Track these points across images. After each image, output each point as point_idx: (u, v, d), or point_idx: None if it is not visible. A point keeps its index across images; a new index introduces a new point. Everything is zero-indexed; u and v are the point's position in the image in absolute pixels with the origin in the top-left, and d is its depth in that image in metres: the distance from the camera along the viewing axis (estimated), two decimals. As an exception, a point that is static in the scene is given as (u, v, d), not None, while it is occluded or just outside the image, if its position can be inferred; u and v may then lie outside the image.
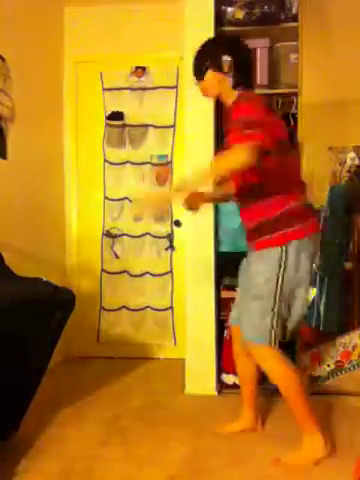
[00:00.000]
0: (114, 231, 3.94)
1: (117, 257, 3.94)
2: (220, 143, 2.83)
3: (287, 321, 2.17)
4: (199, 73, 2.22)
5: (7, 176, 3.01)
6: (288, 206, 2.09)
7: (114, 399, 2.93)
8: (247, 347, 2.24)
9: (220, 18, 3.04)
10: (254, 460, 2.15)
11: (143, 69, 3.89)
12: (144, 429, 2.48)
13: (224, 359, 3.05)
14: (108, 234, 3.95)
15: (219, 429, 2.42)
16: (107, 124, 3.93)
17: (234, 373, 3.04)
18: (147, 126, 3.88)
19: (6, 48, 2.97)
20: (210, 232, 2.98)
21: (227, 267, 2.97)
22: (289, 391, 2.15)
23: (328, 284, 3.11)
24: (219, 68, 2.16)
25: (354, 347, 3.01)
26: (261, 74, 3.12)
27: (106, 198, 3.95)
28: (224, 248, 3.03)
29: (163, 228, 3.89)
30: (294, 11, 3.03)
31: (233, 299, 2.50)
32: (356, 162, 3.23)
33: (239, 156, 1.89)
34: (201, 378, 3.01)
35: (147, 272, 3.91)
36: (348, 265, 3.12)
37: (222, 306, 3.08)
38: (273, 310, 2.10)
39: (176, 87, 3.83)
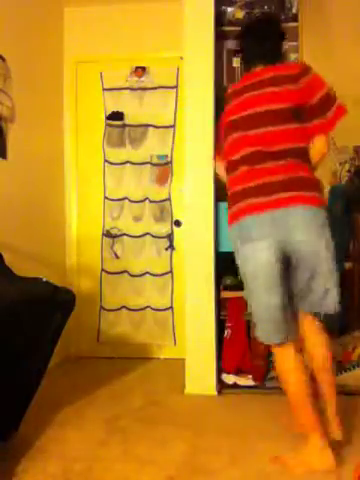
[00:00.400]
0: (114, 231, 3.95)
1: (117, 257, 3.95)
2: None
3: None
4: (277, 50, 2.31)
5: (7, 176, 3.01)
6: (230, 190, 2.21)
7: (114, 399, 2.93)
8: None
9: (220, 18, 3.04)
10: (254, 459, 2.15)
11: (143, 69, 3.89)
12: (144, 429, 2.48)
13: (224, 359, 3.05)
14: (108, 234, 3.95)
15: None
16: (107, 124, 3.94)
17: (234, 373, 3.05)
18: (147, 126, 3.88)
19: (6, 48, 2.97)
20: (210, 232, 2.98)
21: (227, 267, 2.97)
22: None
23: (328, 284, 3.11)
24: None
25: (354, 347, 3.00)
26: (261, 74, 3.12)
27: (106, 198, 3.95)
28: (224, 248, 3.03)
29: (163, 228, 3.89)
30: (294, 11, 3.03)
31: (230, 299, 2.47)
32: (356, 162, 3.23)
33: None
34: (201, 378, 3.01)
35: (147, 272, 3.91)
36: (348, 265, 3.12)
37: (222, 306, 3.08)
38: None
39: (176, 87, 3.83)
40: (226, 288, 3.06)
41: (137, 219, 3.93)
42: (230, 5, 3.08)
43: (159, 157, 3.88)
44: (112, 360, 3.77)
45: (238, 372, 3.04)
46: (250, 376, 3.02)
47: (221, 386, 3.04)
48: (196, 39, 2.96)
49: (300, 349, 2.09)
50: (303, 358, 2.08)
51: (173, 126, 3.85)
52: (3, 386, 2.04)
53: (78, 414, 2.68)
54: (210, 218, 2.98)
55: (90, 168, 3.95)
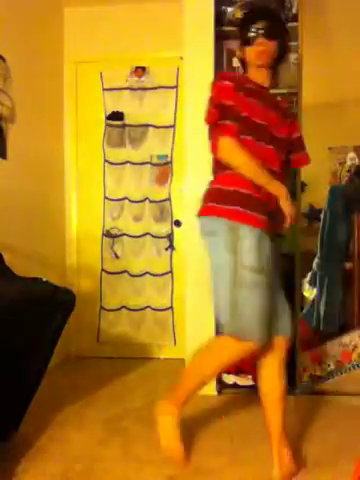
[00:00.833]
0: (114, 231, 3.94)
1: (117, 257, 3.95)
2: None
3: None
4: (278, 30, 2.08)
5: (7, 176, 3.01)
6: None
7: (114, 399, 2.93)
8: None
9: (220, 18, 3.04)
10: (254, 459, 2.15)
11: (143, 69, 3.89)
12: (144, 429, 2.48)
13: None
14: (108, 234, 3.95)
15: None
16: (107, 124, 3.94)
17: (234, 373, 3.05)
18: (147, 126, 3.88)
19: (6, 48, 2.97)
20: (210, 232, 2.97)
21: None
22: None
23: (328, 284, 3.11)
24: (285, 43, 2.14)
25: (354, 347, 3.01)
26: (261, 74, 3.12)
27: (106, 198, 3.95)
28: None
29: (163, 228, 3.89)
30: (294, 11, 3.03)
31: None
32: (356, 162, 3.23)
33: None
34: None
35: (147, 272, 3.91)
36: (348, 265, 3.13)
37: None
38: None
39: (176, 87, 3.83)
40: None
41: (137, 219, 3.93)
42: (230, 5, 3.08)
43: (159, 157, 3.88)
44: (112, 360, 3.77)
45: (238, 372, 3.04)
46: (250, 376, 3.02)
47: (221, 386, 3.04)
48: (196, 39, 2.96)
49: None
50: None
51: (173, 126, 3.85)
52: (3, 386, 2.04)
53: (78, 414, 2.68)
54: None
55: (90, 168, 3.95)
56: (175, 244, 3.86)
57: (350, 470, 1.85)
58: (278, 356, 2.10)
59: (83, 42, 3.84)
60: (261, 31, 2.03)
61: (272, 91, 3.10)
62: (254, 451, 2.23)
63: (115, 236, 3.95)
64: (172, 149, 3.86)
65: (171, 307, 3.88)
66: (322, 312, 3.10)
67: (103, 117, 3.93)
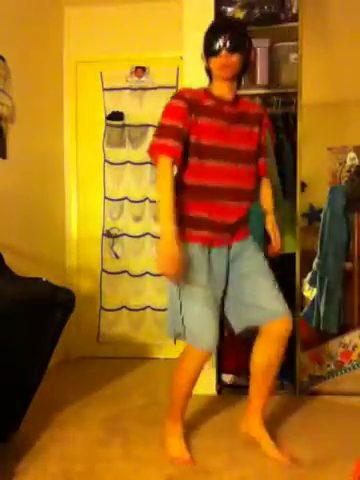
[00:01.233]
0: (114, 231, 3.95)
1: (117, 257, 3.95)
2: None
3: None
4: (242, 44, 2.07)
5: (7, 176, 3.01)
6: None
7: (114, 399, 2.93)
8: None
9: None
10: (254, 459, 2.15)
11: (143, 69, 3.89)
12: (144, 429, 2.48)
13: (224, 359, 3.05)
14: (108, 234, 3.95)
15: None
16: (107, 124, 3.93)
17: (234, 373, 3.04)
18: (147, 126, 3.88)
19: (6, 48, 2.97)
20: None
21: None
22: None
23: (328, 284, 3.11)
24: (248, 55, 2.14)
25: (354, 347, 3.01)
26: (261, 74, 3.12)
27: (106, 198, 3.95)
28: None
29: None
30: (294, 11, 3.03)
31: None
32: (356, 162, 3.23)
33: None
34: (201, 378, 3.00)
35: (147, 272, 3.91)
36: (348, 265, 3.13)
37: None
38: None
39: (176, 87, 3.82)
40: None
41: (137, 219, 3.93)
42: (230, 5, 3.07)
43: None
44: (112, 360, 3.77)
45: (238, 372, 3.04)
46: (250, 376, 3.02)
47: (221, 386, 3.04)
48: (196, 39, 2.94)
49: None
50: None
51: (173, 126, 3.84)
52: (3, 386, 2.04)
53: (78, 414, 2.69)
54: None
55: (90, 168, 3.95)
56: (175, 244, 3.85)
57: (350, 470, 1.85)
58: (275, 337, 2.16)
59: (83, 42, 3.84)
60: (226, 44, 2.05)
61: (272, 91, 3.15)
62: (254, 451, 2.23)
63: (115, 236, 3.95)
64: (172, 149, 3.86)
65: (171, 307, 3.88)
66: (322, 312, 3.10)
67: (103, 117, 3.93)
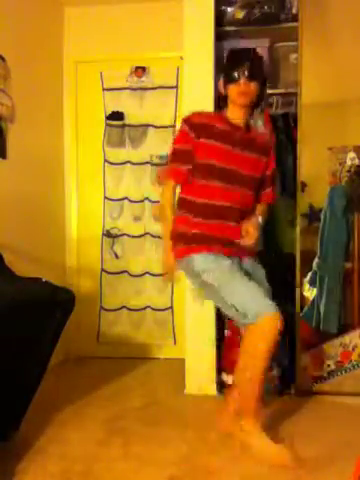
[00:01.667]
0: (114, 231, 3.94)
1: (117, 257, 3.94)
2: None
3: None
4: (260, 73, 2.23)
5: (7, 176, 3.01)
6: None
7: (114, 399, 2.93)
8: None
9: (220, 18, 3.04)
10: (254, 459, 2.15)
11: (143, 69, 3.89)
12: (144, 429, 2.48)
13: (224, 359, 3.05)
14: (108, 234, 3.95)
15: None
16: (107, 124, 3.93)
17: (234, 373, 3.04)
18: (147, 126, 3.88)
19: (6, 48, 2.97)
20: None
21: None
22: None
23: (328, 284, 3.11)
24: (265, 85, 2.29)
25: (354, 347, 3.01)
26: (261, 74, 3.12)
27: (106, 198, 3.95)
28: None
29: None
30: (294, 11, 3.03)
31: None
32: (356, 162, 3.23)
33: None
34: (201, 378, 3.01)
35: (147, 272, 3.91)
36: (348, 265, 3.13)
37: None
38: None
39: (176, 87, 3.83)
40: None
41: (137, 219, 3.93)
42: (230, 5, 3.08)
43: (159, 157, 3.87)
44: (112, 360, 3.77)
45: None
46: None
47: (221, 386, 3.04)
48: (196, 39, 2.96)
49: None
50: None
51: (173, 126, 3.85)
52: (3, 386, 2.04)
53: (78, 414, 2.68)
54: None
55: (90, 168, 3.95)
56: (175, 244, 3.85)
57: (350, 470, 1.85)
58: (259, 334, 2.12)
59: (83, 42, 3.84)
60: (245, 72, 2.17)
61: (272, 91, 3.15)
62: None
63: (115, 236, 3.95)
64: (172, 149, 3.86)
65: (171, 307, 3.88)
66: (322, 312, 3.10)
67: (103, 117, 3.93)
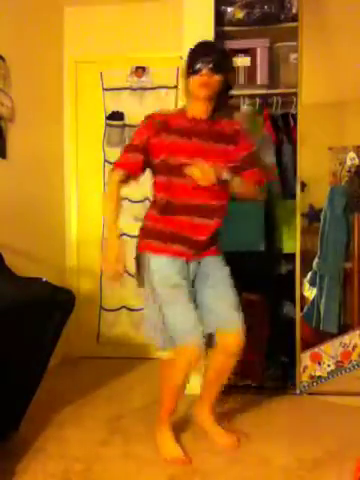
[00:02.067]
0: (114, 231, 3.94)
1: (117, 257, 3.94)
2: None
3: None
4: (224, 66, 2.15)
5: (7, 176, 3.01)
6: None
7: (114, 399, 2.93)
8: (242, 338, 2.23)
9: (220, 18, 3.04)
10: (253, 460, 2.15)
11: (143, 69, 3.89)
12: (144, 429, 2.48)
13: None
14: (108, 234, 3.94)
15: None
16: (107, 124, 3.93)
17: (234, 373, 3.04)
18: (147, 126, 3.87)
19: (6, 48, 2.97)
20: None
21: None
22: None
23: (328, 284, 3.11)
24: (229, 79, 2.21)
25: (354, 347, 3.01)
26: (261, 74, 3.12)
27: (106, 198, 3.95)
28: (224, 248, 3.02)
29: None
30: (294, 11, 3.03)
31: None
32: (356, 162, 3.23)
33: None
34: (201, 378, 3.00)
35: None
36: (348, 265, 3.13)
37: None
38: None
39: (176, 87, 3.82)
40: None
41: (137, 219, 3.92)
42: (230, 5, 3.07)
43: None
44: (112, 360, 3.77)
45: (236, 372, 3.04)
46: (250, 376, 3.02)
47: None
48: (196, 39, 2.95)
49: None
50: None
51: (173, 126, 3.84)
52: (3, 386, 2.04)
53: (78, 414, 2.69)
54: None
55: (90, 168, 3.95)
56: (175, 244, 3.85)
57: (350, 470, 1.85)
58: (230, 352, 2.23)
59: (83, 42, 3.84)
60: (208, 64, 2.10)
61: (272, 91, 3.15)
62: (254, 451, 2.23)
63: (115, 236, 3.94)
64: (172, 149, 3.86)
65: (171, 307, 3.88)
66: (322, 312, 3.10)
67: (103, 117, 3.93)
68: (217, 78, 2.12)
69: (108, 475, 2.04)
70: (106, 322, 3.94)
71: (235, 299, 2.23)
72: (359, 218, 3.13)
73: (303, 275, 3.08)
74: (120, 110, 3.91)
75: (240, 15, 3.05)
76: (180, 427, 2.48)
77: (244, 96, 3.15)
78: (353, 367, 3.00)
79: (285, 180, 3.17)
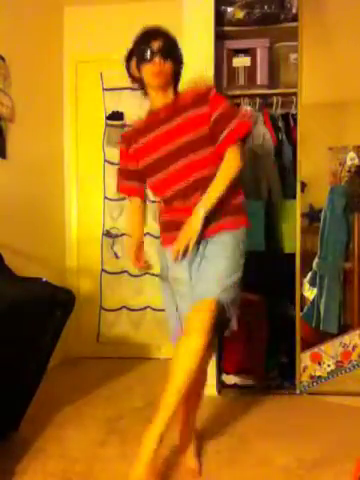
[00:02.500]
0: (114, 231, 3.94)
1: (117, 257, 3.94)
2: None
3: None
4: (174, 51, 2.08)
5: (7, 176, 3.01)
6: None
7: (114, 399, 2.93)
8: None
9: (220, 18, 3.04)
10: (253, 460, 2.15)
11: (143, 69, 3.89)
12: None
13: (224, 359, 3.05)
14: (108, 234, 3.95)
15: None
16: (107, 124, 3.94)
17: (234, 373, 3.05)
18: (147, 126, 3.88)
19: (6, 48, 2.97)
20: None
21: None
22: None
23: (328, 284, 3.11)
24: (180, 65, 2.12)
25: (354, 347, 3.01)
26: (261, 74, 3.12)
27: (106, 198, 3.95)
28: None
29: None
30: (294, 11, 3.03)
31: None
32: (356, 162, 3.23)
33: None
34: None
35: (147, 272, 3.90)
36: (348, 265, 3.13)
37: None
38: None
39: (176, 87, 3.82)
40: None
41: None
42: (230, 5, 3.07)
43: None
44: (112, 360, 3.77)
45: (238, 372, 3.04)
46: (250, 376, 3.03)
47: (221, 386, 3.04)
48: (196, 39, 2.96)
49: None
50: None
51: (173, 126, 3.85)
52: (3, 386, 2.04)
53: (78, 414, 2.69)
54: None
55: (90, 168, 3.95)
56: (175, 244, 3.86)
57: (350, 470, 1.85)
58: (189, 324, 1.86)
59: (83, 42, 3.84)
60: (159, 50, 2.03)
61: (272, 91, 3.15)
62: (254, 451, 2.23)
63: (115, 236, 3.95)
64: (172, 149, 3.86)
65: (171, 307, 3.88)
66: (322, 312, 3.10)
67: (103, 117, 3.94)
68: (169, 65, 2.03)
69: (108, 475, 2.04)
70: (106, 322, 3.94)
71: (216, 270, 1.90)
72: (359, 218, 3.13)
73: (303, 275, 3.08)
74: (120, 110, 3.91)
75: (240, 15, 3.05)
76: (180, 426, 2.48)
77: (244, 96, 3.15)
78: (353, 367, 3.00)
79: (285, 180, 3.17)
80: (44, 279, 2.25)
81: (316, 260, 3.16)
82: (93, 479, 2.02)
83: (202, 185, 1.95)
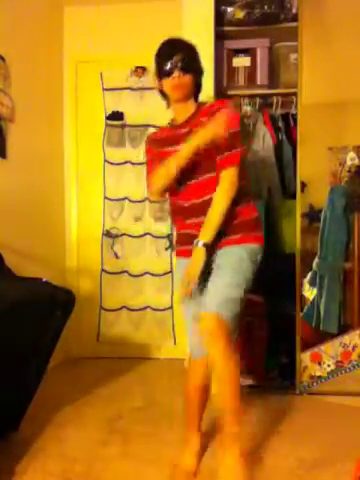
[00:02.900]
0: (114, 231, 3.94)
1: (117, 257, 3.94)
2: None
3: None
4: (194, 64, 2.08)
5: (7, 176, 3.01)
6: None
7: (114, 399, 2.93)
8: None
9: (220, 18, 3.04)
10: (253, 460, 2.15)
11: (143, 69, 3.90)
12: (143, 429, 2.48)
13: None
14: (108, 234, 3.95)
15: None
16: (107, 124, 3.94)
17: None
18: (147, 126, 3.88)
19: (6, 48, 2.97)
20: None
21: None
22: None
23: (328, 284, 3.11)
24: (201, 77, 2.13)
25: (354, 347, 3.01)
26: (261, 74, 3.13)
27: (106, 198, 3.95)
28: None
29: (163, 228, 3.89)
30: (294, 11, 3.04)
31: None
32: (356, 162, 3.23)
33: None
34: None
35: (147, 272, 3.91)
36: (348, 265, 3.12)
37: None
38: None
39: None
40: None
41: (137, 219, 3.93)
42: (230, 5, 3.08)
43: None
44: (112, 360, 3.77)
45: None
46: (250, 376, 3.02)
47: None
48: (196, 39, 2.94)
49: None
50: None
51: (173, 126, 3.85)
52: (3, 386, 2.04)
53: (78, 414, 2.69)
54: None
55: (90, 168, 3.95)
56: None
57: (350, 470, 1.85)
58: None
59: (83, 42, 3.84)
60: (178, 64, 2.06)
61: (272, 91, 3.15)
62: (254, 451, 2.23)
63: (115, 236, 3.95)
64: (172, 149, 3.86)
65: (171, 307, 3.88)
66: (322, 312, 3.10)
67: (103, 117, 3.93)
68: (188, 78, 2.05)
69: (108, 475, 2.04)
70: (106, 322, 3.94)
71: (219, 284, 1.97)
72: (359, 218, 3.13)
73: (303, 275, 3.08)
74: (120, 110, 3.91)
75: (240, 15, 3.05)
76: (180, 426, 2.48)
77: (244, 96, 3.15)
78: (353, 367, 3.00)
79: (285, 180, 3.17)
80: (44, 279, 2.25)
81: (316, 260, 3.15)
82: (93, 479, 2.02)
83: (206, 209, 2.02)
